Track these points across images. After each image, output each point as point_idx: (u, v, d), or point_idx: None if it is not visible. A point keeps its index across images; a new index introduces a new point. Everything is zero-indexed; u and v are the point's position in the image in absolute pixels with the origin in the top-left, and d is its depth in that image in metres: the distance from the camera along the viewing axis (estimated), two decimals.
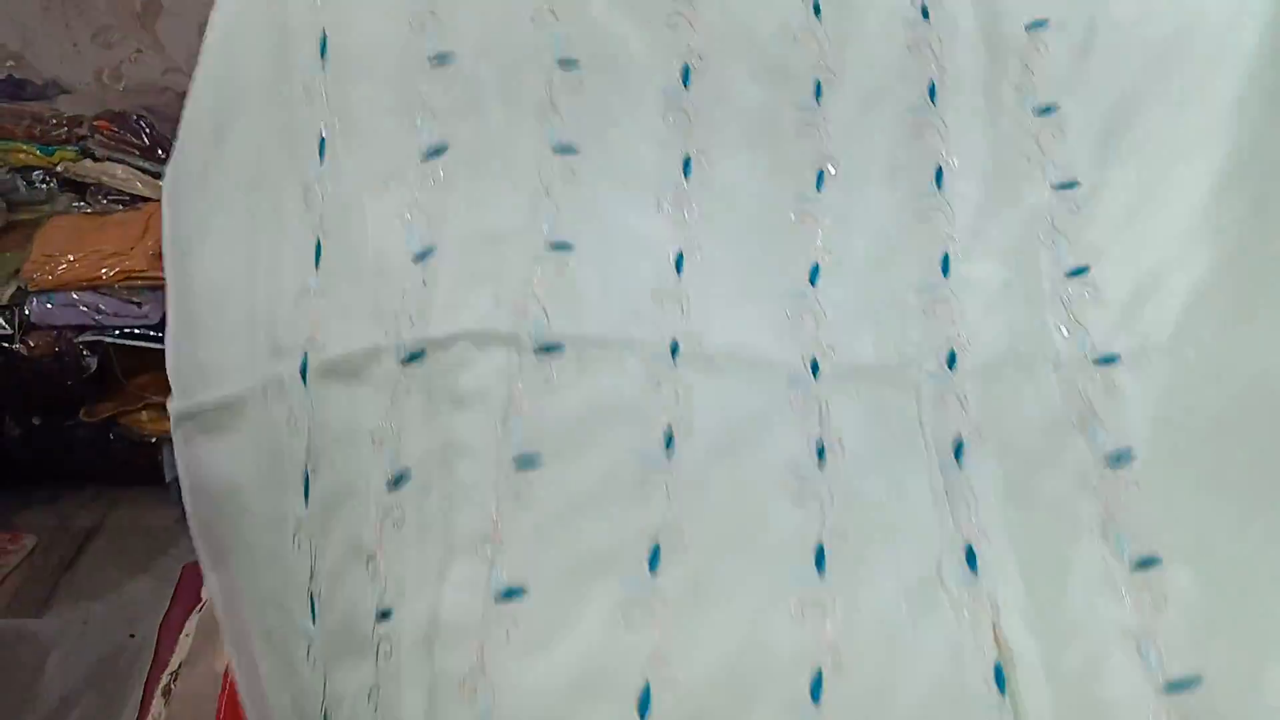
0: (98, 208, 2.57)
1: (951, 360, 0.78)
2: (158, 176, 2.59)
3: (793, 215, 0.83)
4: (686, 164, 0.82)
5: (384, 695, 0.70)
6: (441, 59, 0.82)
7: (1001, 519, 0.74)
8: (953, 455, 0.75)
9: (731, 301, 0.80)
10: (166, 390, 3.05)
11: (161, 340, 2.41)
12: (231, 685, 1.04)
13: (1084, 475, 0.75)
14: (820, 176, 0.83)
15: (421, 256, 0.78)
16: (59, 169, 2.58)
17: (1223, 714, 0.68)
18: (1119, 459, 0.74)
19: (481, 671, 0.67)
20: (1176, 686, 0.68)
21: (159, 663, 1.26)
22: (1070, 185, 0.82)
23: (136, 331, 2.41)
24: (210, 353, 0.90)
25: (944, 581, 0.72)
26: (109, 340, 2.41)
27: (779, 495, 0.74)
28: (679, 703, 0.67)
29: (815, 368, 0.78)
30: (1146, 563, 0.72)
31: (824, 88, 0.84)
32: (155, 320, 2.40)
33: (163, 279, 2.77)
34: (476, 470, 0.72)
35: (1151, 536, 0.73)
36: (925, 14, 0.87)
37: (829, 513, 0.73)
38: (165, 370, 3.04)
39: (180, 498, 2.91)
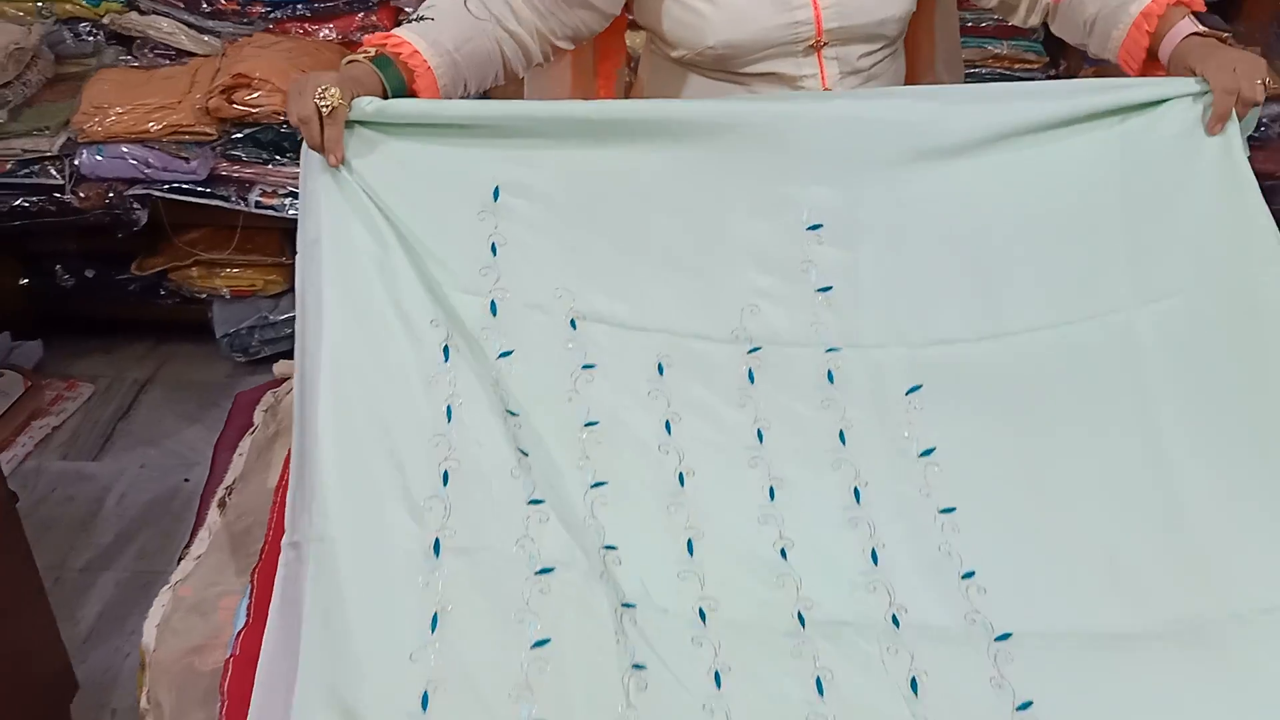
0: (144, 61, 2.59)
1: (895, 621, 1.13)
2: (202, 31, 2.59)
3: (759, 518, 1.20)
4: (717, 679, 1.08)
5: None
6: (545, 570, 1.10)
7: None
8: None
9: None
10: (214, 247, 3.10)
11: (208, 195, 2.45)
12: (281, 498, 1.11)
13: None
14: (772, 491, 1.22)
15: None
16: (105, 21, 2.59)
17: None
18: None
19: None
20: None
21: (214, 479, 1.34)
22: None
23: (184, 186, 2.44)
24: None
25: None
26: (157, 194, 2.44)
27: None
28: None
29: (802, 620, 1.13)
30: None
31: (763, 433, 1.25)
32: (203, 176, 2.43)
33: (210, 134, 2.77)
34: None
35: None
36: (831, 378, 1.27)
37: None
38: (212, 227, 3.10)
39: (229, 355, 2.98)
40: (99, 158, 2.41)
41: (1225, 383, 1.20)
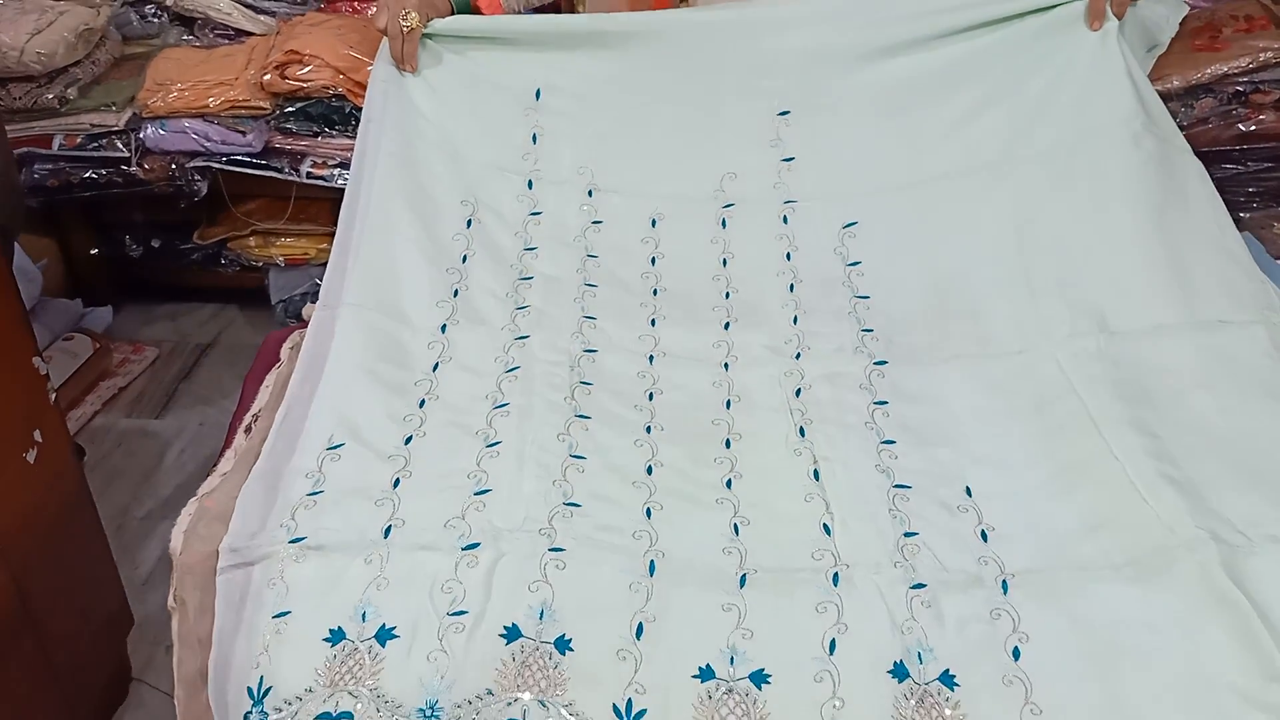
0: (205, 41, 2.71)
1: (799, 355, 1.45)
2: (258, 11, 2.70)
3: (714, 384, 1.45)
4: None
5: None
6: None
7: None
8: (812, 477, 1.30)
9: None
10: (269, 217, 3.20)
11: (263, 167, 2.56)
12: None
13: None
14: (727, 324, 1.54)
15: None
16: (169, 3, 2.72)
17: None
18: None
19: None
20: None
21: (242, 407, 1.44)
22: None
23: (241, 158, 2.55)
24: None
25: None
26: (217, 166, 2.56)
27: None
28: None
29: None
30: None
31: (727, 260, 1.61)
32: (258, 148, 2.54)
33: (264, 108, 2.89)
34: None
35: None
36: (785, 221, 1.63)
37: None
38: (269, 198, 3.28)
39: (284, 321, 3.08)
40: (162, 131, 2.53)
41: (1076, 186, 1.54)
